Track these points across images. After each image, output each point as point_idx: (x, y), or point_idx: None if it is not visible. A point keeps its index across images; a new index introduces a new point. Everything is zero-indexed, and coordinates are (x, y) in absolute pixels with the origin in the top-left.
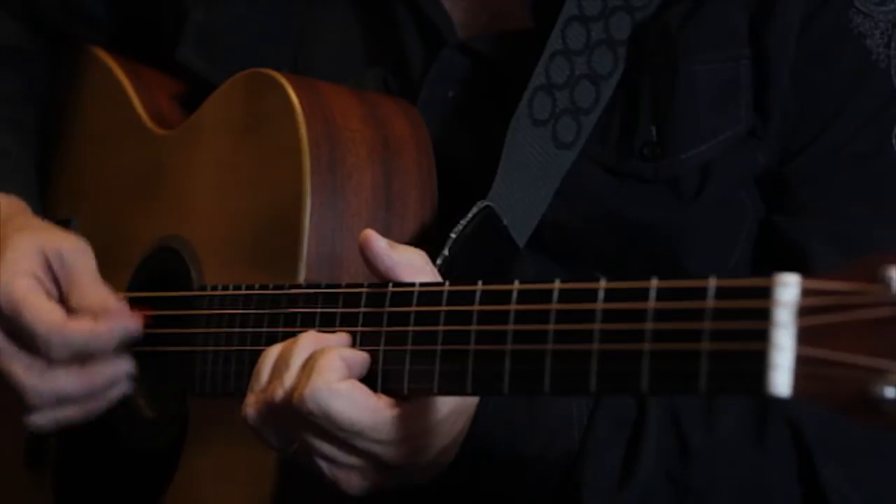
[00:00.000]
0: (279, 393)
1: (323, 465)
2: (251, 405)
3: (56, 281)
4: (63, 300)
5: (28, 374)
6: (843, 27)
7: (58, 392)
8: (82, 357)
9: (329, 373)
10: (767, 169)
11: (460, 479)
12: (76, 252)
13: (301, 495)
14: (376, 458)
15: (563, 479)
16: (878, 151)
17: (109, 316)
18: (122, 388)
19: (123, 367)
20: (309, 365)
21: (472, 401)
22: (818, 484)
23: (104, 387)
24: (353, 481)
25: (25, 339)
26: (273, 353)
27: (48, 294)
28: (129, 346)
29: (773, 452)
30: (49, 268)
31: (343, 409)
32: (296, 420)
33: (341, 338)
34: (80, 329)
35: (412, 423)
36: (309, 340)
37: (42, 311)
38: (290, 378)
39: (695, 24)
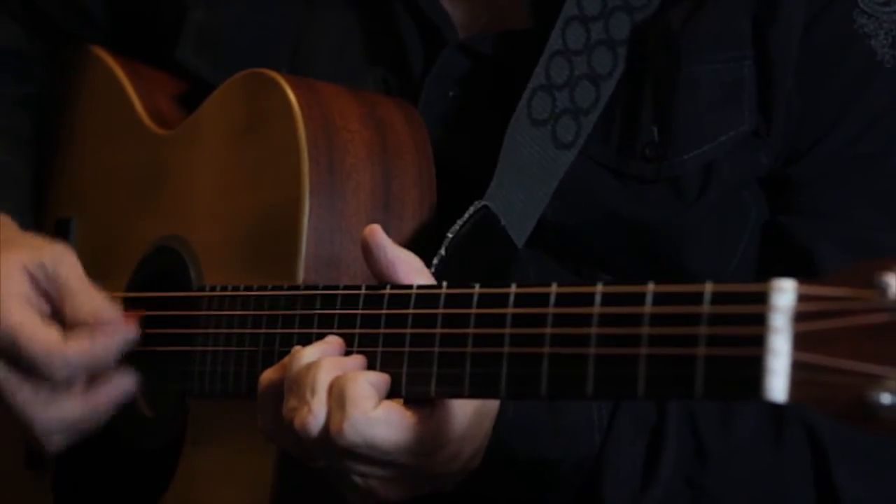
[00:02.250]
0: (311, 422)
1: (358, 479)
2: (275, 432)
3: (47, 295)
4: (56, 313)
5: (33, 405)
6: (848, 28)
7: (65, 419)
8: (85, 375)
9: (364, 401)
10: (771, 170)
11: (484, 483)
12: (58, 259)
13: (301, 496)
14: (415, 469)
15: (584, 483)
16: (884, 152)
17: (105, 328)
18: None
19: (126, 383)
20: (337, 394)
21: (492, 403)
22: (833, 488)
23: (109, 406)
24: (388, 490)
25: (25, 365)
26: (273, 377)
27: (41, 314)
28: (128, 354)
29: (788, 456)
30: (36, 284)
31: (385, 435)
32: (334, 449)
33: (357, 361)
34: (79, 348)
35: (445, 431)
36: (329, 364)
37: (38, 336)
38: (319, 404)
39: (697, 25)
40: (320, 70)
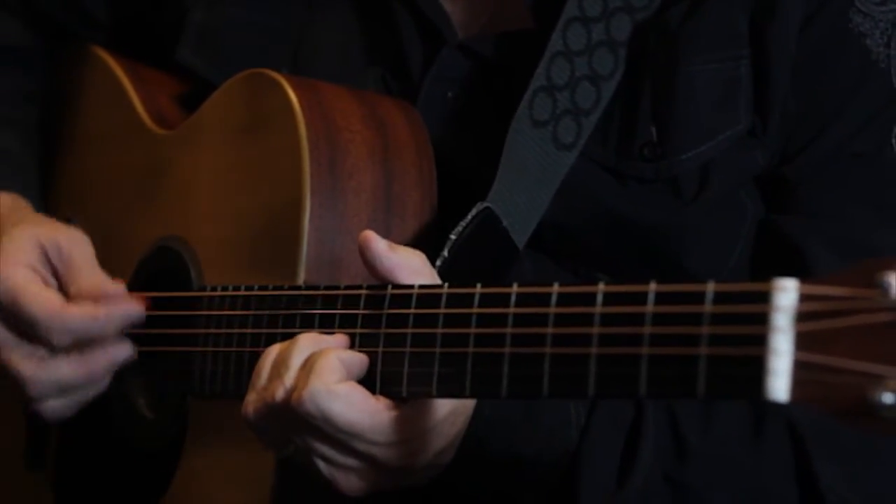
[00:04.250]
0: (280, 393)
1: (321, 465)
2: (251, 404)
3: (54, 272)
4: (61, 289)
5: (28, 363)
6: (844, 27)
7: (59, 381)
8: (83, 342)
9: (327, 374)
10: (767, 168)
11: (458, 480)
12: (73, 241)
13: (301, 496)
14: (374, 460)
15: (560, 480)
16: (877, 152)
17: (109, 300)
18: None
19: (122, 352)
20: (307, 366)
21: (469, 402)
22: (815, 485)
23: (104, 373)
24: (351, 482)
25: (25, 327)
26: (273, 352)
27: (45, 283)
28: (129, 332)
29: (770, 453)
30: (46, 258)
31: (341, 411)
32: (294, 421)
33: (339, 339)
34: (81, 313)
35: (410, 425)
36: (308, 341)
37: (41, 298)
38: (290, 378)
39: (695, 25)
40: (321, 70)
